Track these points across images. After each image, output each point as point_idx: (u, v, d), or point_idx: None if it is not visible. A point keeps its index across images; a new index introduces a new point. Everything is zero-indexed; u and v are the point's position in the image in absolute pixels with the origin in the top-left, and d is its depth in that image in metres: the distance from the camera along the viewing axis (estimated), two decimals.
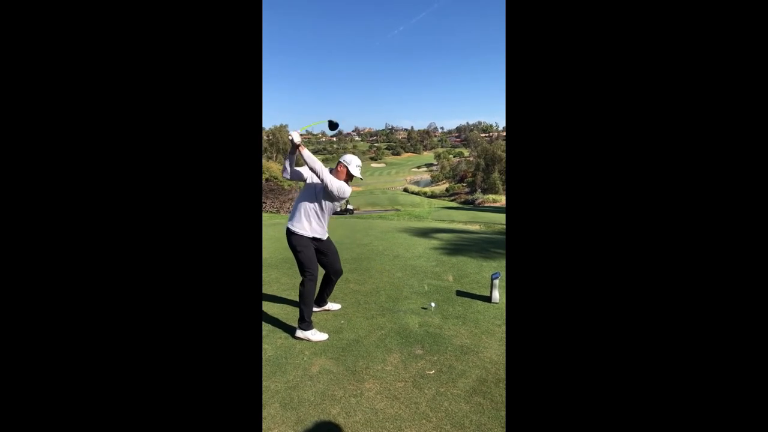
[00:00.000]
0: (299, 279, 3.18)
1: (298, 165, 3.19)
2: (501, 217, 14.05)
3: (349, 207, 22.77)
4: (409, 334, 3.22)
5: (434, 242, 7.04)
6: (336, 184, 3.03)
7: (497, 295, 3.90)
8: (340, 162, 3.18)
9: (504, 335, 3.21)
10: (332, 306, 3.76)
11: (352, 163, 3.15)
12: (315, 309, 3.53)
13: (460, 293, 4.19)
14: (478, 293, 4.17)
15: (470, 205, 31.30)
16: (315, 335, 3.13)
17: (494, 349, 2.97)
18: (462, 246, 6.71)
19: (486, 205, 30.95)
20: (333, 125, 3.16)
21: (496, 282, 3.88)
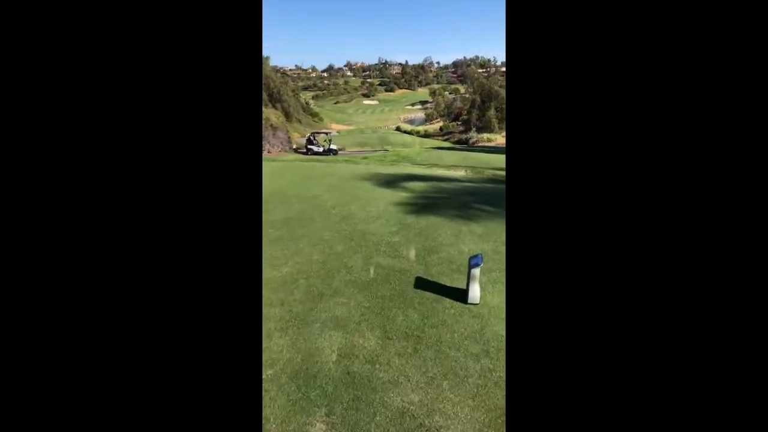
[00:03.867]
0: None
1: None
2: (493, 159, 12.37)
3: (333, 147, 20.60)
4: (314, 378, 1.80)
5: (403, 194, 5.40)
6: None
7: (477, 290, 2.43)
8: None
9: (484, 384, 1.78)
10: None
11: None
12: None
13: (421, 283, 2.71)
14: (448, 283, 2.70)
15: (464, 144, 29.30)
16: None
17: (464, 424, 1.54)
18: (438, 200, 5.07)
19: (480, 144, 28.94)
20: None
21: (477, 272, 2.39)
